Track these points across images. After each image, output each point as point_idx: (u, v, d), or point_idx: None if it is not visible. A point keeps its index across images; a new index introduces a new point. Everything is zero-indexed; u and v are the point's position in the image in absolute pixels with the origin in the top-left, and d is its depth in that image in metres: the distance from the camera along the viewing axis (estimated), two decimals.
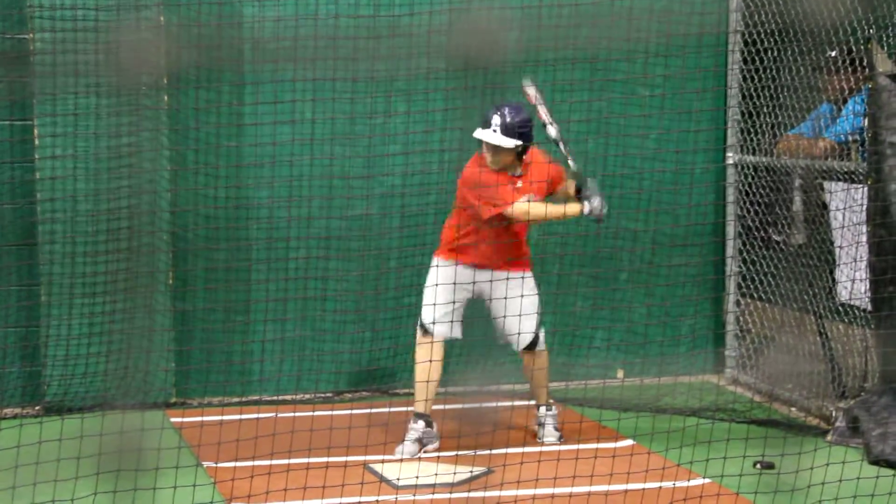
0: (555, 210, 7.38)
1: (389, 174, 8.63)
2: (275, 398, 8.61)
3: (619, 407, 8.28)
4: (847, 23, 7.66)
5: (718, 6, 8.87)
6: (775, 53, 8.53)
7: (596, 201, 7.37)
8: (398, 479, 6.76)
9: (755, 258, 8.84)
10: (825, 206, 8.12)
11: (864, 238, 7.60)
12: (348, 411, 7.55)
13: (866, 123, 7.61)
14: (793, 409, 8.35)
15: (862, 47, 7.66)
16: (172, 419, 8.04)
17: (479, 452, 7.03)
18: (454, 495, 6.35)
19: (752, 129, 8.88)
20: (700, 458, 6.52)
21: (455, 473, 6.71)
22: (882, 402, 7.40)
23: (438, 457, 7.19)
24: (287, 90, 8.24)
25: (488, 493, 6.39)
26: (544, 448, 7.38)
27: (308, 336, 8.72)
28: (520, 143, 7.27)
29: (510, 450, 7.24)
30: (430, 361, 7.32)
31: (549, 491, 6.29)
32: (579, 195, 7.41)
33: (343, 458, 6.68)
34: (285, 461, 6.49)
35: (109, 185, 8.22)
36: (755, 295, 8.85)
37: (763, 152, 8.76)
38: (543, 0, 8.28)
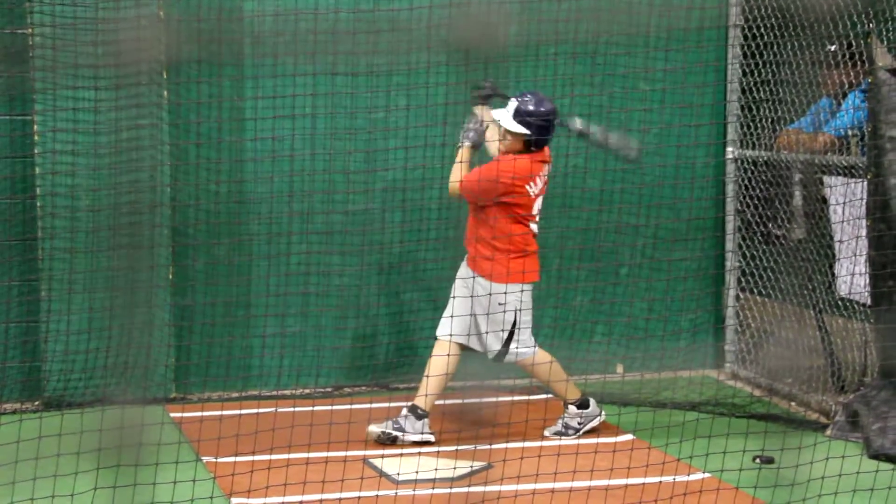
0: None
1: (390, 169, 8.62)
2: (275, 393, 8.62)
3: (619, 402, 8.29)
4: (847, 17, 7.65)
5: (718, 1, 8.86)
6: (775, 48, 8.52)
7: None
8: (398, 474, 6.76)
9: (755, 253, 8.84)
10: (825, 201, 8.12)
11: (863, 233, 7.60)
12: (348, 406, 7.56)
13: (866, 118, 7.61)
14: (792, 403, 8.35)
15: (862, 42, 7.66)
16: (172, 414, 8.05)
17: (478, 447, 7.03)
18: (454, 490, 6.35)
19: (751, 124, 8.88)
20: (700, 453, 6.52)
21: (455, 468, 6.71)
22: (881, 397, 7.40)
23: (438, 452, 7.19)
24: (287, 85, 8.24)
25: (488, 488, 6.39)
26: (544, 443, 7.39)
27: (308, 331, 8.72)
28: (525, 131, 7.25)
29: (510, 445, 7.24)
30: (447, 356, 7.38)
31: (550, 486, 6.30)
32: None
33: (343, 453, 6.69)
34: (285, 456, 6.49)
35: (109, 180, 8.22)
36: (755, 290, 8.85)
37: (763, 147, 8.76)
38: None
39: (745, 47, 8.91)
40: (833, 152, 8.00)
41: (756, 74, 8.78)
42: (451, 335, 7.38)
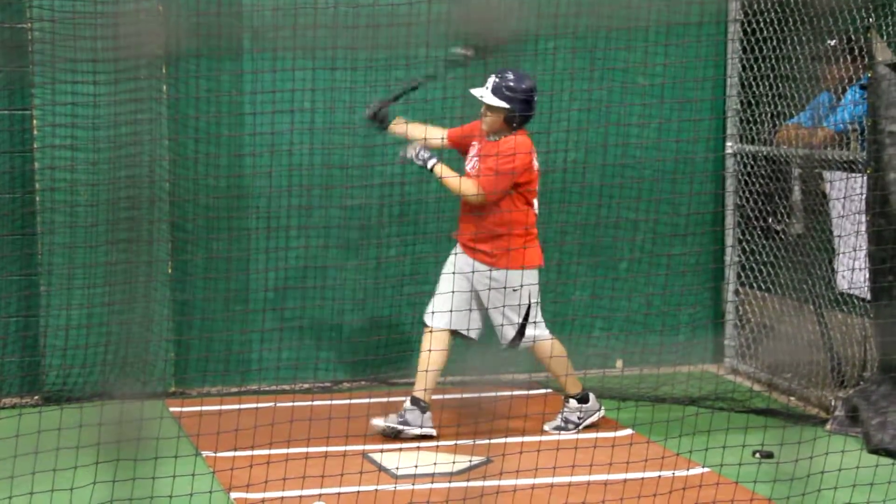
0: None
1: (389, 164, 8.61)
2: (274, 388, 8.62)
3: (619, 396, 8.29)
4: (846, 12, 7.65)
5: None
6: (775, 42, 8.52)
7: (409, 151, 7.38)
8: (397, 469, 6.76)
9: (754, 247, 8.84)
10: (824, 196, 8.12)
11: (863, 227, 7.59)
12: (347, 401, 7.55)
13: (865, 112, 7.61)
14: (792, 398, 8.35)
15: (861, 36, 7.65)
16: (171, 409, 8.05)
17: (478, 442, 7.03)
18: (453, 485, 6.35)
19: (751, 119, 8.87)
20: (699, 448, 6.52)
21: (454, 463, 6.71)
22: (881, 392, 7.40)
23: (437, 446, 7.19)
24: (286, 79, 8.23)
25: (487, 483, 6.39)
26: (543, 437, 7.39)
27: (307, 326, 8.72)
28: (505, 105, 7.24)
29: (509, 439, 7.24)
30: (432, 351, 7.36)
31: (549, 480, 6.30)
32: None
33: (342, 448, 6.69)
34: (284, 451, 6.49)
35: (108, 174, 8.22)
36: (754, 284, 8.85)
37: (762, 142, 8.75)
38: None
39: (745, 42, 8.91)
40: (833, 147, 7.99)
41: (755, 69, 8.78)
42: (450, 328, 7.37)
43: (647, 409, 7.94)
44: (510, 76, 7.26)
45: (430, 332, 7.40)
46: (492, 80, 7.26)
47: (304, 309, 8.64)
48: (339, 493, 6.23)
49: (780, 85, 8.48)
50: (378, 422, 7.36)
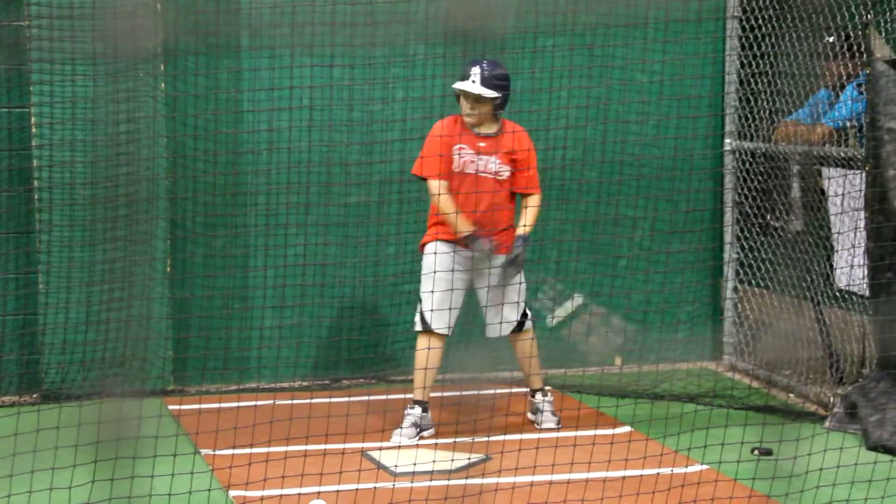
0: (450, 216, 7.34)
1: (388, 161, 8.61)
2: (272, 385, 8.62)
3: (617, 394, 8.29)
4: (845, 8, 7.64)
5: None
6: (773, 39, 8.51)
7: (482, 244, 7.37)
8: (396, 467, 6.76)
9: (753, 245, 8.84)
10: (823, 193, 8.11)
11: (861, 224, 7.59)
12: (346, 398, 7.55)
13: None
14: (790, 395, 8.35)
15: (860, 33, 7.65)
16: (170, 407, 8.04)
17: (476, 439, 7.03)
18: (452, 482, 6.35)
19: (749, 116, 8.87)
20: (698, 445, 6.52)
21: (453, 460, 6.71)
22: (880, 388, 7.40)
23: (436, 444, 7.19)
24: (285, 77, 8.22)
25: (486, 480, 6.38)
26: (542, 435, 7.38)
27: (306, 323, 8.72)
28: (498, 94, 7.28)
29: (508, 437, 7.24)
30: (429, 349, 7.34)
31: (547, 478, 6.30)
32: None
33: (341, 446, 6.68)
34: (283, 448, 6.49)
35: (107, 172, 8.21)
36: (753, 281, 8.85)
37: (761, 138, 8.75)
38: None
39: (743, 39, 8.90)
40: (831, 144, 7.99)
41: (754, 66, 8.77)
42: (448, 328, 7.37)
43: (646, 406, 7.94)
44: (491, 66, 7.35)
45: (428, 331, 7.41)
46: (476, 72, 7.29)
47: (303, 307, 8.64)
48: (337, 491, 6.23)
49: (778, 82, 8.48)
50: (398, 438, 7.34)
